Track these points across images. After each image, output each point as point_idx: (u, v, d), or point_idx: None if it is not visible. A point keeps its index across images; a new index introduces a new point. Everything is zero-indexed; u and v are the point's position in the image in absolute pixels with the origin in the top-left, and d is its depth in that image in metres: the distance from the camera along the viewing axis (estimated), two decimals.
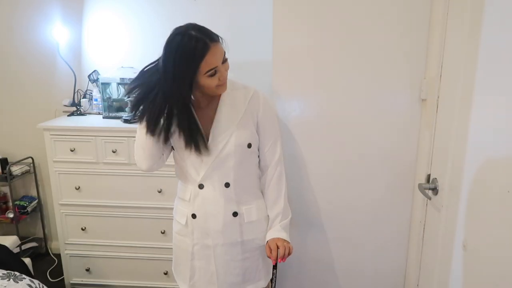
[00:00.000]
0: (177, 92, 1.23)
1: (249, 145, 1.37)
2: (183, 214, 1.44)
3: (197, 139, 1.30)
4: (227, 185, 1.37)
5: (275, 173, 1.43)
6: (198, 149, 1.31)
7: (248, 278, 1.47)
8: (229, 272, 1.44)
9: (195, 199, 1.40)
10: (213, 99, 1.37)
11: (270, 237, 1.41)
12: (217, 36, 1.24)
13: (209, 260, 1.43)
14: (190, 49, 1.17)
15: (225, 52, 1.26)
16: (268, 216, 1.47)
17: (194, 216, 1.41)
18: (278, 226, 1.42)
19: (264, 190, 1.47)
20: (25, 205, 2.71)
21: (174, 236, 1.52)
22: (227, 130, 1.34)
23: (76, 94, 2.51)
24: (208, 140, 1.34)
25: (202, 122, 1.35)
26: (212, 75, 1.24)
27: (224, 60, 1.26)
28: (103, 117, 2.38)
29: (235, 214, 1.40)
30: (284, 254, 1.34)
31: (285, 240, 1.40)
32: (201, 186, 1.38)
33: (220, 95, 1.36)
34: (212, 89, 1.28)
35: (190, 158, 1.35)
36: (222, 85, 1.29)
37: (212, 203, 1.38)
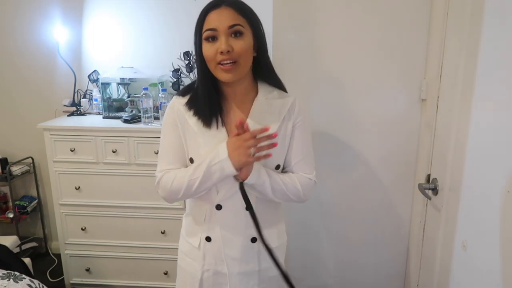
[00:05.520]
0: (197, 53, 1.13)
1: (277, 167, 1.20)
2: (196, 235, 1.25)
3: (207, 112, 1.13)
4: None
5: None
6: (207, 123, 1.13)
7: None
8: None
9: (210, 221, 1.21)
10: (245, 106, 1.18)
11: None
12: (245, 9, 1.07)
13: None
14: (204, 7, 1.11)
15: (240, 25, 1.05)
16: (286, 241, 1.33)
17: (208, 239, 1.23)
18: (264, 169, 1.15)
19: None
20: (25, 205, 2.71)
21: (181, 256, 1.33)
22: None
23: (76, 94, 2.51)
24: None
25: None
26: (208, 39, 1.06)
27: (236, 32, 1.05)
28: (103, 117, 2.38)
29: (253, 240, 1.21)
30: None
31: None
32: (218, 207, 1.18)
33: (252, 103, 1.17)
34: (212, 64, 1.08)
35: None
36: (224, 68, 1.06)
37: (230, 227, 1.20)
